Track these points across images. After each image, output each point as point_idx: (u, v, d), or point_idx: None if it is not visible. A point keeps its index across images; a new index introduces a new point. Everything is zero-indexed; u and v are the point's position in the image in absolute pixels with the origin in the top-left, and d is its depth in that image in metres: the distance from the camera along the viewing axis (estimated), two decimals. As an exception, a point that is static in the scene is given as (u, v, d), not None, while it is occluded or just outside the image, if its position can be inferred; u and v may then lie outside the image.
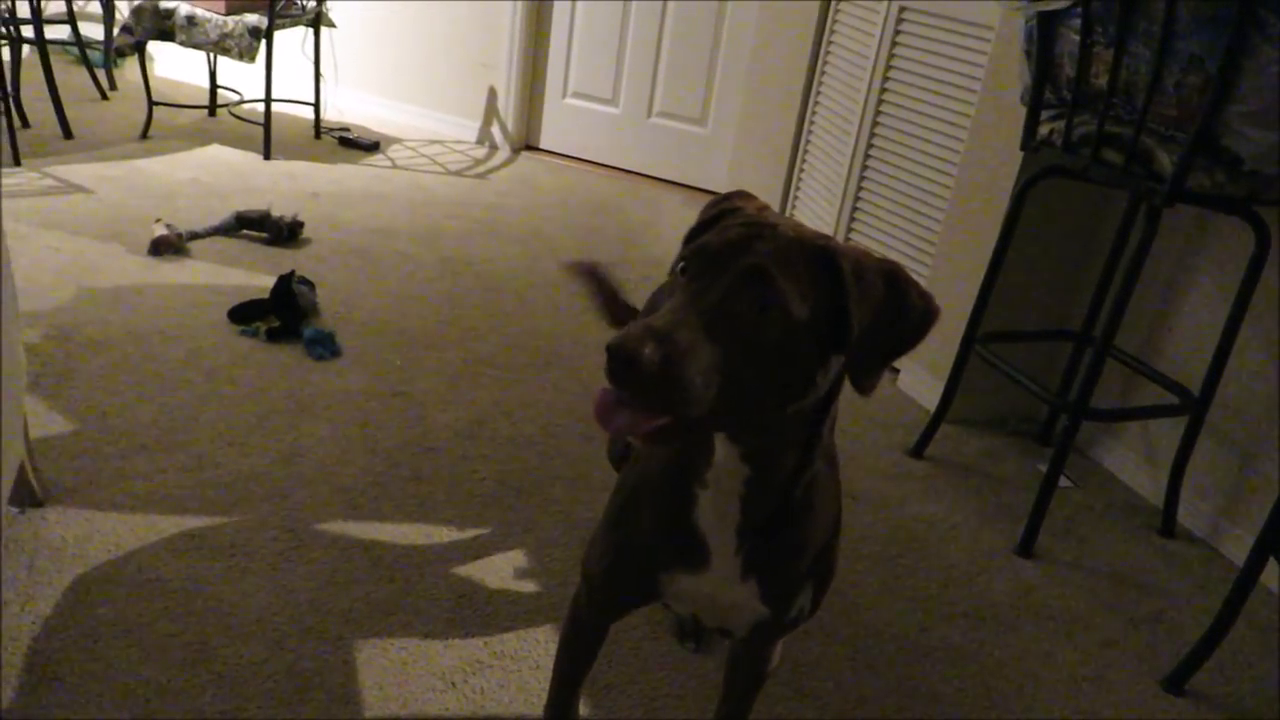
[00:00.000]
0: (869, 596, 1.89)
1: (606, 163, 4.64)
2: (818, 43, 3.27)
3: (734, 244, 0.85)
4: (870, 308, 0.86)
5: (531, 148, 4.74)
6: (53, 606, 1.53)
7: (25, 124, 3.82)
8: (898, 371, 2.85)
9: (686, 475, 0.98)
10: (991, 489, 2.35)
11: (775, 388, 0.86)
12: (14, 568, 1.59)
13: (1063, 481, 2.41)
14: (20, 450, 1.57)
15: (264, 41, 3.72)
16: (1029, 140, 2.10)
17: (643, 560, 1.06)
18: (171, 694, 1.41)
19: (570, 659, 1.24)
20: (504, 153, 4.61)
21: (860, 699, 1.63)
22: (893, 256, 2.84)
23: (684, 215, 4.12)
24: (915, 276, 2.67)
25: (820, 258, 0.86)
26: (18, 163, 3.41)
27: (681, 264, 0.87)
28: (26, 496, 1.71)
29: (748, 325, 0.82)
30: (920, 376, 2.72)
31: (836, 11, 3.15)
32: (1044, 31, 1.98)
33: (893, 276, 0.89)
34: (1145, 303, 2.41)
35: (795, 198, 3.44)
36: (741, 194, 1.00)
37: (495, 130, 4.66)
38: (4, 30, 3.79)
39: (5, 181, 3.24)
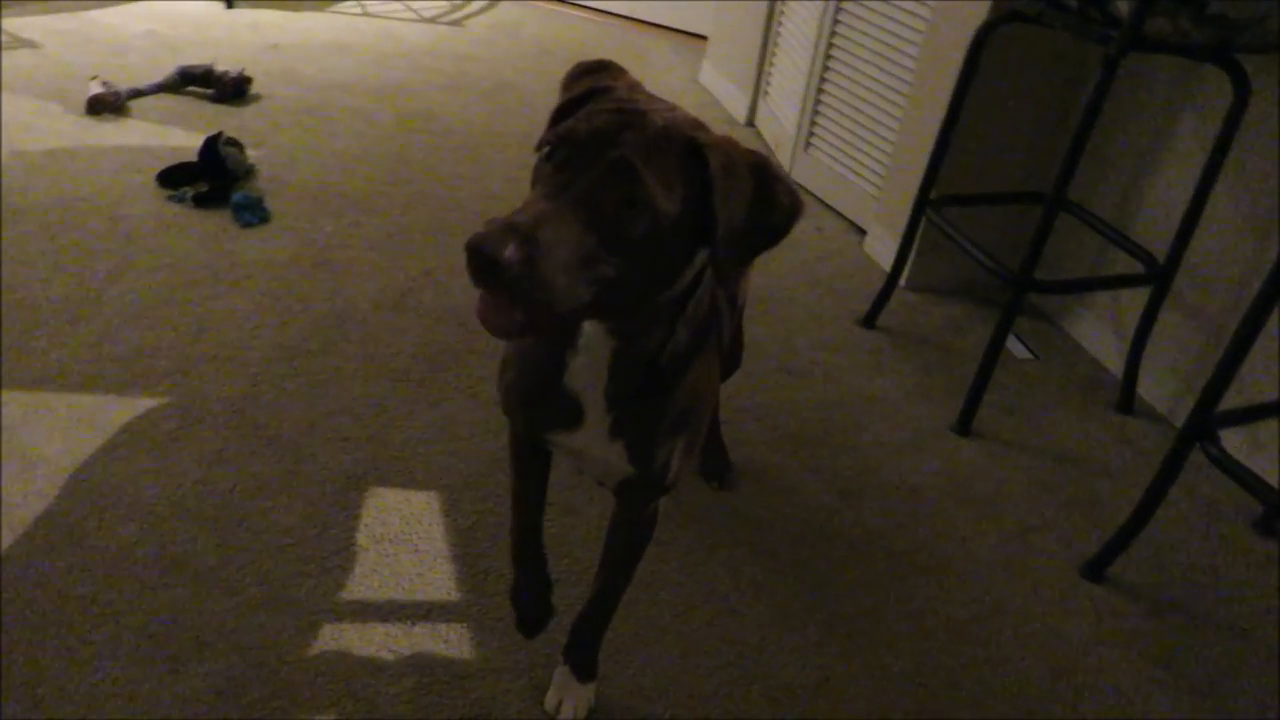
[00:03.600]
0: (787, 476, 1.82)
1: (594, 6, 4.38)
2: None
3: (601, 133, 0.82)
4: (738, 204, 0.85)
5: (516, -10, 4.48)
6: (-72, 487, 1.52)
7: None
8: (864, 233, 2.69)
9: (559, 341, 1.00)
10: (944, 363, 2.23)
11: (641, 281, 0.86)
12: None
13: (1022, 353, 2.28)
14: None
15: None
16: (987, -21, 1.88)
17: (528, 410, 1.10)
18: (36, 574, 1.40)
19: (517, 475, 1.26)
20: (486, -4, 4.36)
21: (751, 583, 1.58)
22: (866, 111, 2.64)
23: (670, 63, 3.89)
24: (882, 138, 2.50)
25: (689, 150, 0.84)
26: (-35, 16, 3.29)
27: (547, 150, 0.84)
28: (-87, 375, 1.69)
29: (613, 221, 0.80)
30: (884, 240, 2.57)
31: None
32: None
33: (761, 172, 0.87)
34: (1122, 166, 2.21)
35: (775, 47, 3.20)
36: (611, 67, 0.98)
37: (477, -28, 4.40)
38: None
39: (-55, 37, 3.13)
